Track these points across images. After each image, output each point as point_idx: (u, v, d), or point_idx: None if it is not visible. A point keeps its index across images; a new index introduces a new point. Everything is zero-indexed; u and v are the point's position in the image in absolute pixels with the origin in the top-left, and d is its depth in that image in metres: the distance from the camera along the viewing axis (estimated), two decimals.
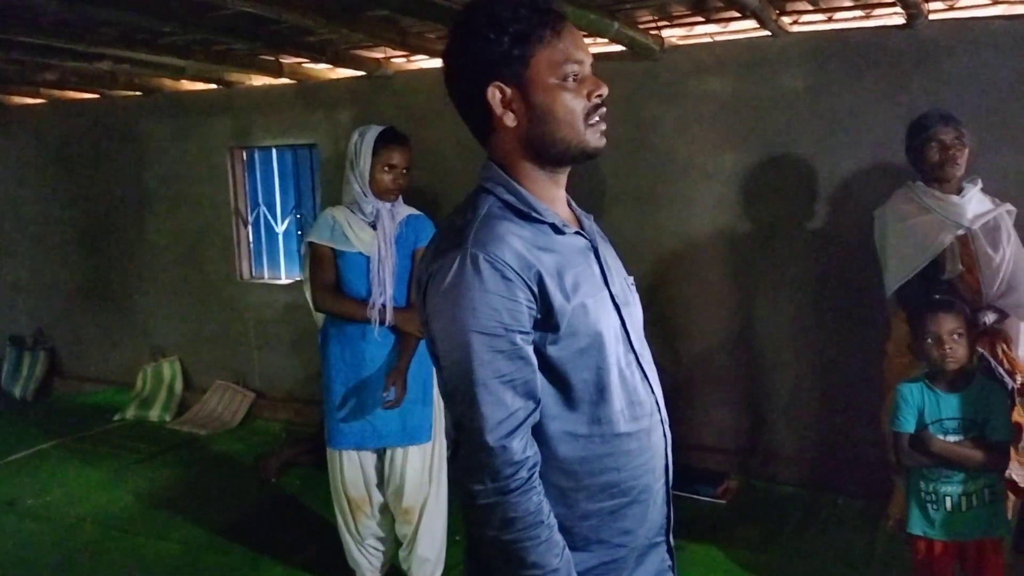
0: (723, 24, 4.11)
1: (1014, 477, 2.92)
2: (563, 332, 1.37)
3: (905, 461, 2.69)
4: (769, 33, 4.04)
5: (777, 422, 4.40)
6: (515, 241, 1.35)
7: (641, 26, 4.10)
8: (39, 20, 3.76)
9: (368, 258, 3.14)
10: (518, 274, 1.32)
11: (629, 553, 1.48)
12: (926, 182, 3.28)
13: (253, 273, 5.92)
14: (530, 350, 1.35)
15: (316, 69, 5.22)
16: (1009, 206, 3.30)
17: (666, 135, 4.42)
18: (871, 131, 3.95)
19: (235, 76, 5.44)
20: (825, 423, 4.27)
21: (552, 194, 1.47)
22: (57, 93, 6.18)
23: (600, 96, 1.42)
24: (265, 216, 5.86)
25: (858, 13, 3.90)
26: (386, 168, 3.12)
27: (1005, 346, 3.18)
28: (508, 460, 1.31)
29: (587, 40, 1.58)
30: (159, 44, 4.30)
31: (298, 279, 5.42)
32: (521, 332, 1.33)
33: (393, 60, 5.00)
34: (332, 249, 3.17)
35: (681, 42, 4.36)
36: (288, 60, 5.02)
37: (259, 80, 5.49)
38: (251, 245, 5.91)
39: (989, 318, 3.11)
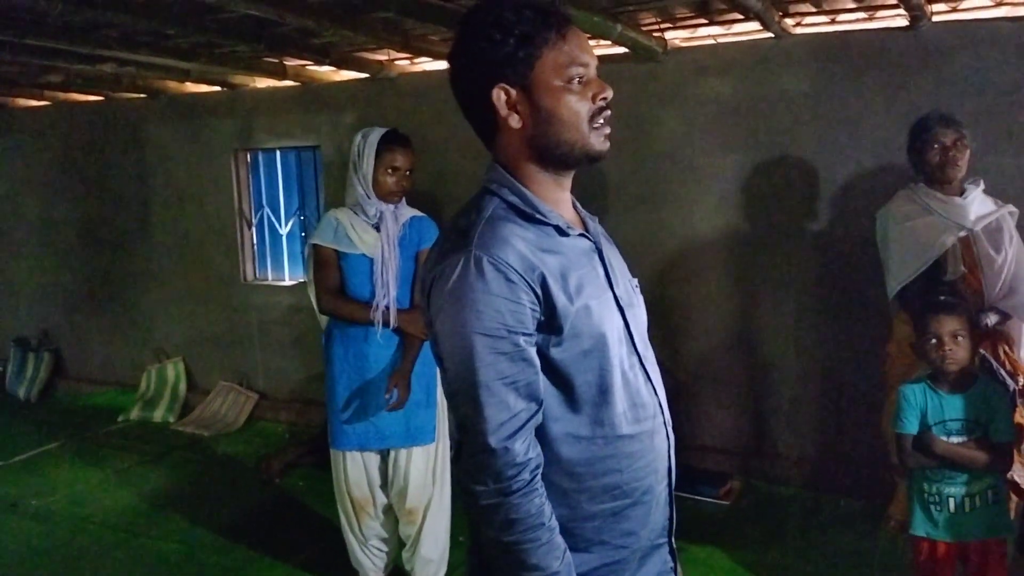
0: (726, 26, 4.12)
1: (1016, 478, 2.92)
2: (566, 334, 1.37)
3: (908, 462, 2.69)
4: (772, 35, 4.04)
5: (779, 423, 4.40)
6: (519, 243, 1.35)
7: (644, 28, 4.11)
8: (43, 23, 3.77)
9: (372, 260, 3.14)
10: (521, 276, 1.33)
11: (631, 554, 1.48)
12: (928, 183, 3.28)
13: (257, 275, 5.93)
14: (533, 352, 1.35)
15: (319, 71, 5.23)
16: (1011, 207, 3.30)
17: (669, 137, 4.42)
18: (873, 132, 3.95)
19: (239, 78, 5.45)
20: (827, 424, 4.27)
21: (556, 196, 1.47)
22: (61, 95, 6.20)
23: (605, 99, 1.42)
24: (269, 218, 5.87)
25: (861, 15, 3.91)
26: (389, 170, 3.12)
27: (1007, 347, 3.18)
28: (510, 462, 1.32)
29: (590, 42, 1.59)
30: (163, 46, 4.31)
31: (302, 281, 5.42)
32: (524, 334, 1.34)
33: (396, 62, 5.01)
34: (336, 251, 3.18)
35: (684, 44, 4.36)
36: (292, 62, 5.03)
37: (263, 82, 5.51)
38: (255, 247, 5.92)
39: (991, 320, 3.11)
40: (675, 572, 1.59)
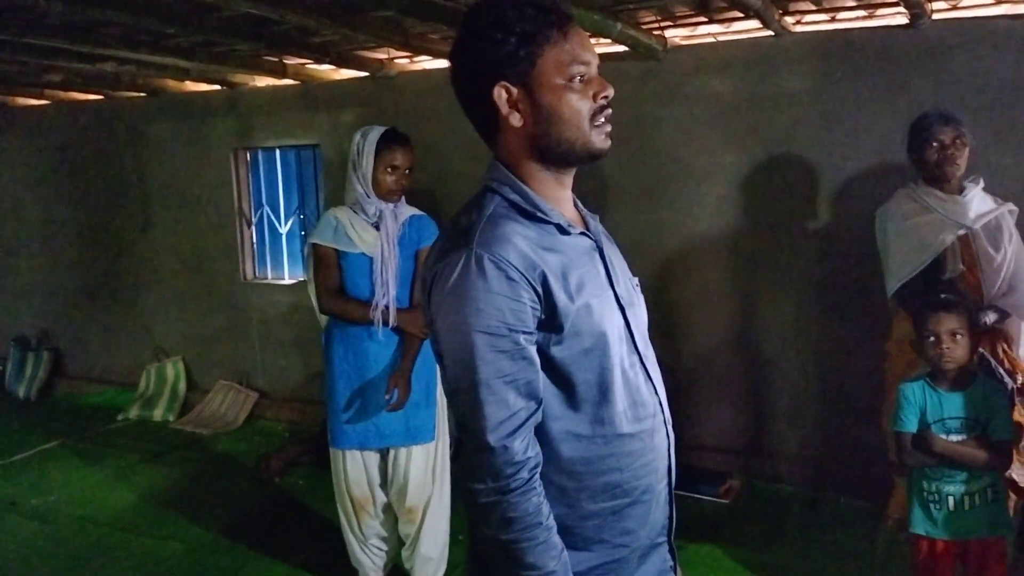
0: (726, 24, 4.12)
1: (1014, 476, 2.92)
2: (567, 332, 1.37)
3: (907, 461, 2.69)
4: (772, 33, 4.04)
5: (779, 422, 4.41)
6: (520, 241, 1.35)
7: (644, 26, 4.11)
8: (43, 22, 3.77)
9: (371, 259, 3.14)
10: (522, 274, 1.33)
11: (631, 553, 1.48)
12: (927, 182, 3.28)
13: (256, 273, 5.94)
14: (533, 350, 1.35)
15: (319, 70, 5.23)
16: (1011, 205, 3.30)
17: (668, 135, 4.42)
18: (873, 131, 3.95)
19: (239, 77, 5.45)
20: (827, 423, 4.27)
21: (558, 194, 1.47)
22: (61, 94, 6.19)
23: (606, 97, 1.42)
24: (268, 217, 5.87)
25: (861, 13, 3.90)
26: (389, 169, 3.12)
27: (1006, 346, 3.18)
28: (509, 460, 1.32)
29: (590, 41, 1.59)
30: (163, 45, 4.31)
31: (302, 279, 5.42)
32: (524, 332, 1.33)
33: (396, 61, 5.01)
34: (335, 250, 3.18)
35: (684, 42, 4.36)
36: (291, 61, 5.03)
37: (263, 81, 5.50)
38: (254, 246, 5.92)
39: (990, 318, 3.11)
40: (675, 571, 1.59)
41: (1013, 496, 2.97)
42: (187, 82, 5.59)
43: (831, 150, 4.07)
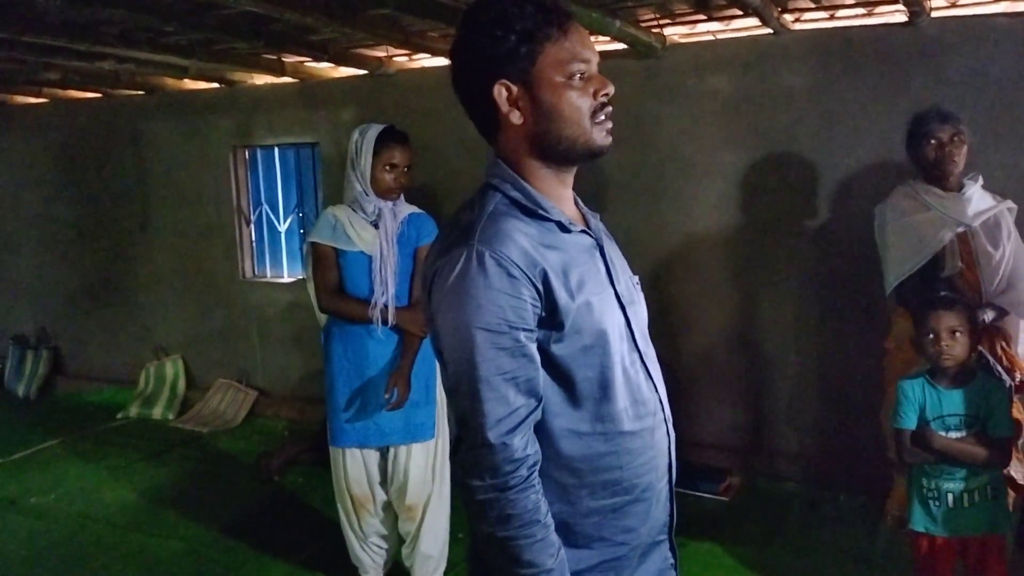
0: (725, 22, 4.12)
1: (1012, 474, 2.92)
2: (567, 330, 1.37)
3: (907, 458, 2.69)
4: (771, 31, 4.04)
5: (779, 419, 4.41)
6: (521, 238, 1.35)
7: (643, 24, 4.10)
8: (41, 20, 3.76)
9: (370, 257, 3.14)
10: (523, 272, 1.33)
11: (631, 551, 1.48)
12: (926, 179, 3.28)
13: (256, 272, 5.93)
14: (533, 348, 1.35)
15: (318, 68, 5.22)
16: (1010, 203, 3.30)
17: (668, 133, 4.42)
18: (873, 129, 3.95)
19: (237, 75, 5.45)
20: (826, 420, 4.28)
21: (559, 192, 1.47)
22: (60, 92, 6.19)
23: (606, 95, 1.42)
24: (267, 215, 5.86)
25: (860, 11, 3.90)
26: (387, 167, 3.12)
27: (1004, 343, 3.19)
28: (508, 457, 1.32)
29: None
30: (161, 43, 4.31)
31: (301, 278, 5.43)
32: (525, 329, 1.33)
33: (395, 59, 5.01)
34: (334, 249, 3.17)
35: (683, 40, 4.36)
36: (290, 59, 5.02)
37: (261, 79, 5.50)
38: (253, 244, 5.92)
39: (988, 316, 3.11)
40: (675, 569, 1.59)
41: (1012, 493, 2.97)
42: (186, 80, 5.59)
43: (830, 148, 4.07)
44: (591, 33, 3.76)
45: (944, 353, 2.61)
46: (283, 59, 5.00)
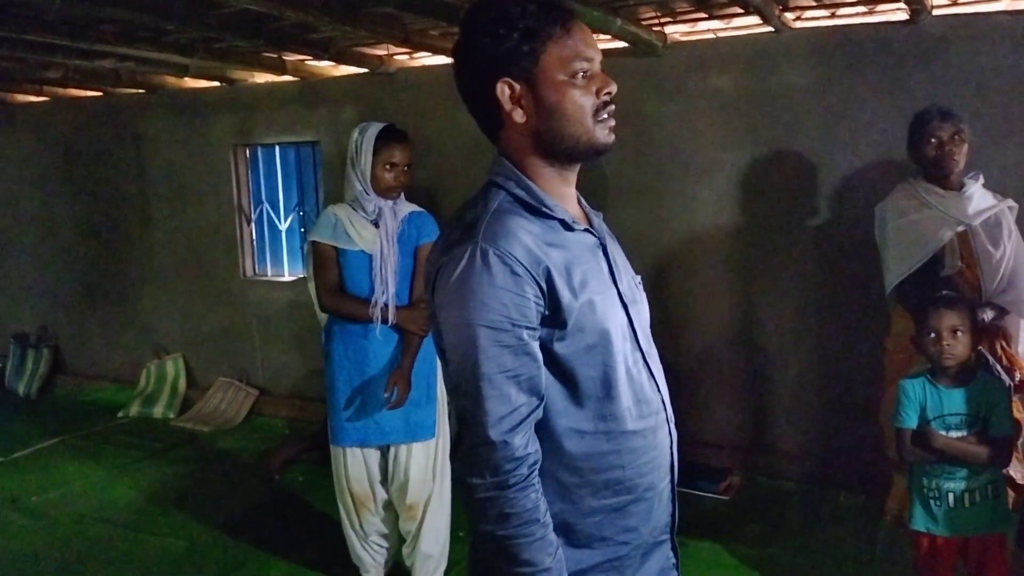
0: (726, 20, 4.11)
1: (1012, 474, 2.92)
2: (570, 329, 1.37)
3: (908, 457, 2.69)
4: (772, 29, 4.04)
5: (779, 418, 4.41)
6: (525, 236, 1.35)
7: (644, 22, 4.10)
8: (42, 18, 3.76)
9: (371, 256, 3.14)
10: (527, 270, 1.32)
11: (633, 550, 1.48)
12: (927, 178, 3.27)
13: (256, 270, 5.93)
14: (536, 346, 1.35)
15: (319, 66, 5.22)
16: (1011, 202, 3.29)
17: (669, 131, 4.42)
18: (873, 127, 3.95)
19: (238, 74, 5.45)
20: (827, 419, 4.27)
21: (562, 191, 1.47)
22: (60, 91, 6.18)
23: (609, 93, 1.42)
24: (268, 213, 5.86)
25: (861, 9, 3.90)
26: (387, 166, 3.11)
27: (1004, 343, 3.18)
28: (509, 456, 1.32)
29: None
30: (162, 42, 4.31)
31: (301, 276, 5.42)
32: (528, 328, 1.33)
33: (396, 57, 5.00)
34: (335, 248, 3.17)
35: (684, 38, 4.35)
36: (291, 57, 5.02)
37: (262, 77, 5.50)
38: (254, 242, 5.92)
39: (988, 315, 3.10)
40: (677, 569, 1.59)
41: (1011, 493, 2.96)
42: (186, 79, 5.58)
43: (831, 146, 4.07)
44: (592, 32, 3.76)
45: (945, 352, 2.61)
46: (284, 57, 5.00)
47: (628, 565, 1.47)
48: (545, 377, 1.37)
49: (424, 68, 5.05)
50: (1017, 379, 3.06)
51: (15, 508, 4.39)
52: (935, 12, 3.76)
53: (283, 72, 5.12)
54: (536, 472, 1.35)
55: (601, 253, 1.48)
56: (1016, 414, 2.83)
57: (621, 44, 4.21)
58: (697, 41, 4.34)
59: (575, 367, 1.38)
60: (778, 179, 4.21)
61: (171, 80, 5.72)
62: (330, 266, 3.19)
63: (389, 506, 3.33)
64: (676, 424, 1.56)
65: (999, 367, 3.01)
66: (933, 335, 2.63)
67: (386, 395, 3.09)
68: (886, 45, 3.90)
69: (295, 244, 5.80)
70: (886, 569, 3.45)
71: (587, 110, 1.40)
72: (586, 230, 1.47)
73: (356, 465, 3.26)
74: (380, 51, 4.89)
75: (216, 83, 5.65)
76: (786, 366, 4.34)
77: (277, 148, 5.79)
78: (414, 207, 3.27)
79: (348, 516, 3.33)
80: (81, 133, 6.39)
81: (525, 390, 1.34)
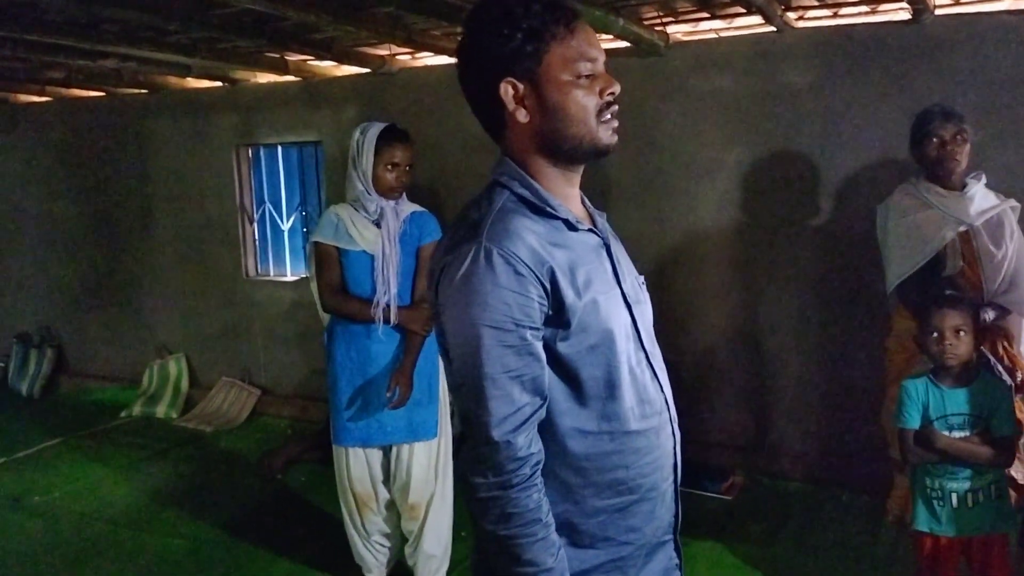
0: (728, 20, 4.11)
1: (1014, 474, 2.92)
2: (574, 328, 1.37)
3: (910, 457, 2.68)
4: (774, 29, 4.04)
5: (781, 418, 4.41)
6: (529, 236, 1.35)
7: (646, 22, 4.10)
8: (44, 18, 3.77)
9: (373, 256, 3.14)
10: (531, 270, 1.32)
11: (636, 551, 1.48)
12: (929, 178, 3.26)
13: (259, 270, 5.94)
14: (539, 346, 1.35)
15: (321, 66, 5.22)
16: (1013, 202, 3.29)
17: (671, 131, 4.42)
18: (876, 127, 3.94)
19: (240, 74, 5.45)
20: (829, 419, 4.27)
21: (566, 191, 1.47)
22: (63, 91, 6.19)
23: (612, 94, 1.42)
24: (271, 213, 5.87)
25: (863, 8, 3.90)
26: (389, 166, 3.11)
27: (1006, 343, 3.17)
28: (512, 455, 1.32)
29: None
30: (164, 42, 4.31)
31: (304, 276, 5.42)
32: (531, 328, 1.33)
33: (398, 57, 5.01)
34: (337, 248, 3.17)
35: (686, 38, 4.35)
36: (293, 57, 5.02)
37: (264, 77, 5.50)
38: (256, 242, 5.92)
39: (990, 315, 3.10)
40: (680, 569, 1.59)
41: (1013, 493, 2.96)
42: (188, 79, 5.59)
43: (833, 146, 4.06)
44: (594, 31, 3.76)
45: (948, 352, 2.60)
46: (286, 57, 5.00)
47: (631, 565, 1.47)
48: (548, 377, 1.37)
49: (426, 68, 5.05)
50: (1019, 379, 3.06)
51: (18, 507, 4.40)
52: (937, 12, 3.75)
53: (285, 72, 5.13)
54: (539, 472, 1.35)
55: (605, 253, 1.48)
56: (1018, 414, 2.83)
57: (623, 44, 4.20)
58: (699, 41, 4.34)
59: (578, 367, 1.38)
60: (780, 179, 4.21)
61: (174, 80, 5.72)
62: (332, 266, 3.19)
63: (391, 506, 3.33)
64: (678, 424, 1.56)
65: (1000, 367, 3.01)
66: (936, 334, 2.62)
67: (388, 395, 3.09)
68: (888, 45, 3.90)
69: (297, 244, 5.81)
70: (889, 569, 3.44)
71: (590, 110, 1.40)
72: (590, 230, 1.47)
73: (358, 465, 3.26)
74: (382, 51, 4.89)
75: (218, 83, 5.65)
76: (788, 366, 4.34)
77: (279, 148, 5.80)
78: (416, 207, 3.27)
79: (350, 516, 3.34)
80: (84, 133, 6.40)
81: (528, 390, 1.34)
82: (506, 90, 1.40)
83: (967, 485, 2.61)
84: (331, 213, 3.21)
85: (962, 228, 3.17)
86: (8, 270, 7.03)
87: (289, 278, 5.82)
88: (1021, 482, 3.02)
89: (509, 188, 1.42)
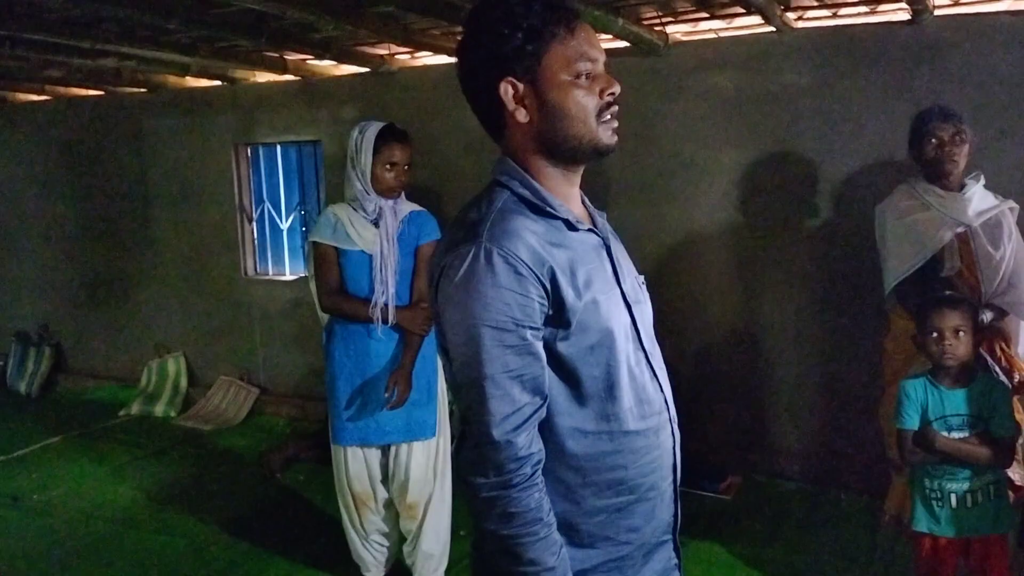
0: (728, 20, 4.11)
1: (1011, 475, 2.92)
2: (574, 328, 1.37)
3: (909, 458, 2.69)
4: (774, 29, 4.04)
5: (780, 418, 4.41)
6: (529, 236, 1.35)
7: (645, 22, 4.10)
8: (44, 17, 3.77)
9: (371, 256, 3.14)
10: (531, 269, 1.32)
11: (636, 550, 1.48)
12: (927, 178, 3.26)
13: (257, 269, 5.94)
14: (540, 346, 1.35)
15: (320, 66, 5.22)
16: (1012, 203, 3.28)
17: (670, 131, 4.42)
18: (875, 127, 3.95)
19: (240, 73, 5.45)
20: (828, 419, 4.27)
21: (566, 191, 1.47)
22: (62, 90, 6.19)
23: (612, 94, 1.42)
24: (269, 212, 5.87)
25: (863, 9, 3.90)
26: (387, 166, 3.11)
27: (1004, 344, 3.16)
28: (512, 455, 1.32)
29: None
30: (163, 41, 4.31)
31: (303, 275, 5.42)
32: (531, 328, 1.33)
33: (397, 56, 5.00)
34: (335, 248, 3.17)
35: (685, 38, 4.35)
36: (292, 57, 5.02)
37: (263, 77, 5.50)
38: (255, 241, 5.92)
39: (987, 316, 3.09)
40: (679, 569, 1.59)
41: (1011, 494, 2.96)
42: (187, 78, 5.58)
43: (832, 146, 4.06)
44: (594, 31, 3.76)
45: (947, 352, 2.61)
46: (285, 57, 5.00)
47: (630, 565, 1.47)
48: (548, 377, 1.37)
49: (425, 68, 5.05)
50: (1016, 381, 3.06)
51: (16, 506, 4.40)
52: (937, 12, 3.76)
53: (284, 71, 5.13)
54: (540, 471, 1.35)
55: (605, 253, 1.48)
56: (1017, 415, 2.83)
57: (623, 44, 4.20)
58: (699, 41, 4.34)
59: (578, 367, 1.38)
60: (779, 179, 4.21)
61: (173, 79, 5.72)
62: (330, 266, 3.19)
63: (390, 505, 3.34)
64: (678, 423, 1.56)
65: (997, 369, 3.01)
66: (936, 334, 2.63)
67: (386, 395, 3.09)
68: (888, 45, 3.90)
69: (296, 243, 5.81)
70: (887, 569, 3.45)
71: (590, 110, 1.40)
72: (590, 230, 1.47)
73: (357, 464, 3.26)
74: (382, 50, 4.89)
75: (218, 82, 5.65)
76: (786, 366, 4.34)
77: (279, 147, 5.80)
78: (415, 207, 3.27)
79: (349, 515, 3.34)
80: (83, 132, 6.40)
81: (529, 390, 1.34)
82: (506, 90, 1.40)
83: (966, 486, 2.62)
84: (329, 213, 3.21)
85: (960, 229, 3.16)
86: (7, 268, 7.03)
87: (288, 277, 5.82)
88: (1019, 483, 3.02)
89: (509, 188, 1.42)
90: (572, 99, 1.39)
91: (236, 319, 5.93)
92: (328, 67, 5.24)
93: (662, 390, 1.51)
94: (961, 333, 2.61)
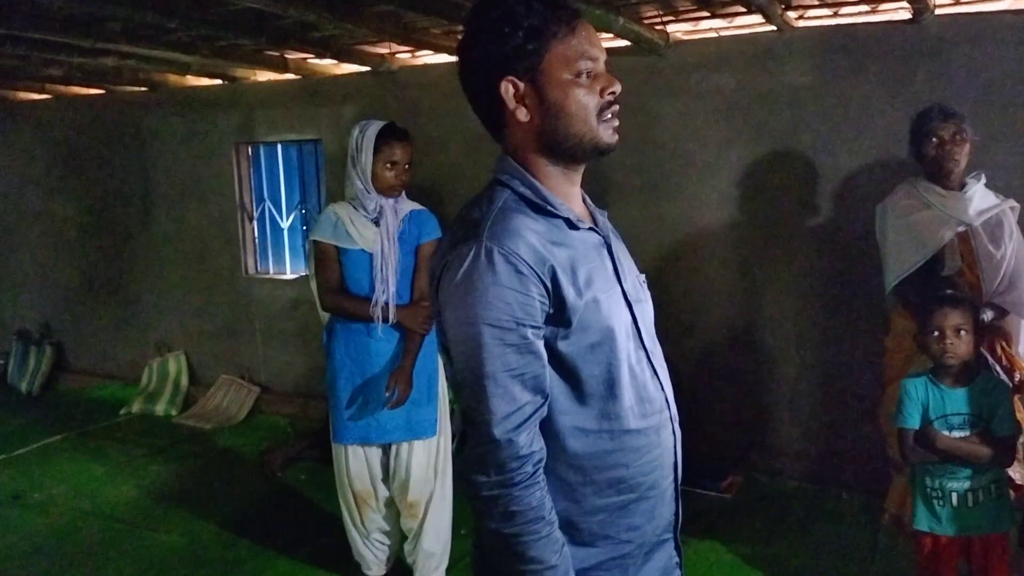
0: (728, 19, 4.11)
1: (1012, 474, 2.92)
2: (574, 327, 1.37)
3: (910, 457, 2.69)
4: (774, 28, 4.03)
5: (780, 416, 4.41)
6: (530, 235, 1.35)
7: (646, 21, 4.10)
8: (44, 15, 3.76)
9: (371, 255, 3.14)
10: (532, 268, 1.33)
11: (636, 549, 1.48)
12: (928, 177, 3.26)
13: (258, 268, 5.94)
14: (540, 345, 1.35)
15: (321, 64, 5.22)
16: (1012, 202, 3.28)
17: (671, 130, 4.42)
18: (876, 126, 3.94)
19: (240, 72, 5.45)
20: (828, 418, 4.27)
21: (567, 190, 1.47)
22: (62, 89, 6.19)
23: (613, 93, 1.42)
24: (270, 211, 5.87)
25: (864, 8, 3.90)
26: (388, 165, 3.11)
27: (1004, 343, 3.17)
28: (514, 454, 1.32)
29: None
30: (164, 40, 4.31)
31: (303, 274, 5.43)
32: (532, 326, 1.33)
33: (398, 55, 5.00)
34: (336, 247, 3.17)
35: (686, 37, 4.35)
36: (293, 56, 5.02)
37: (264, 76, 5.50)
38: (256, 240, 5.93)
39: (988, 315, 3.09)
40: (680, 567, 1.59)
41: (1012, 493, 2.96)
42: (188, 76, 5.59)
43: (833, 145, 4.06)
44: (595, 30, 3.76)
45: (948, 351, 2.61)
46: (286, 56, 5.00)
47: (631, 563, 1.48)
48: (549, 376, 1.37)
49: (426, 66, 5.05)
50: (1017, 380, 3.06)
51: (17, 504, 4.40)
52: (938, 11, 3.75)
53: (285, 70, 5.13)
54: (541, 470, 1.35)
55: (606, 252, 1.48)
56: (1018, 414, 2.83)
57: (623, 43, 4.20)
58: (699, 40, 4.34)
59: (579, 365, 1.39)
60: (779, 178, 4.21)
61: (173, 78, 5.72)
62: (331, 265, 3.19)
63: (391, 503, 3.34)
64: (679, 422, 1.56)
65: (998, 368, 3.01)
66: (937, 333, 2.63)
67: (387, 394, 3.09)
68: (888, 44, 3.90)
69: (297, 242, 5.81)
70: (887, 568, 3.45)
71: (591, 109, 1.40)
72: (591, 229, 1.47)
73: (358, 463, 3.26)
74: (382, 49, 4.89)
75: (218, 81, 5.65)
76: (787, 364, 4.34)
77: (279, 146, 5.80)
78: (415, 205, 3.27)
79: (350, 514, 3.34)
80: (83, 131, 6.40)
81: (530, 388, 1.34)
82: (507, 89, 1.40)
83: (967, 485, 2.61)
84: (330, 212, 3.21)
85: (961, 228, 3.16)
86: (8, 267, 7.03)
87: (288, 276, 5.82)
88: (1020, 482, 3.02)
89: (510, 187, 1.42)
90: (573, 98, 1.39)
91: (237, 318, 5.93)
92: (329, 66, 5.24)
93: (663, 389, 1.51)
94: (962, 332, 2.61)
